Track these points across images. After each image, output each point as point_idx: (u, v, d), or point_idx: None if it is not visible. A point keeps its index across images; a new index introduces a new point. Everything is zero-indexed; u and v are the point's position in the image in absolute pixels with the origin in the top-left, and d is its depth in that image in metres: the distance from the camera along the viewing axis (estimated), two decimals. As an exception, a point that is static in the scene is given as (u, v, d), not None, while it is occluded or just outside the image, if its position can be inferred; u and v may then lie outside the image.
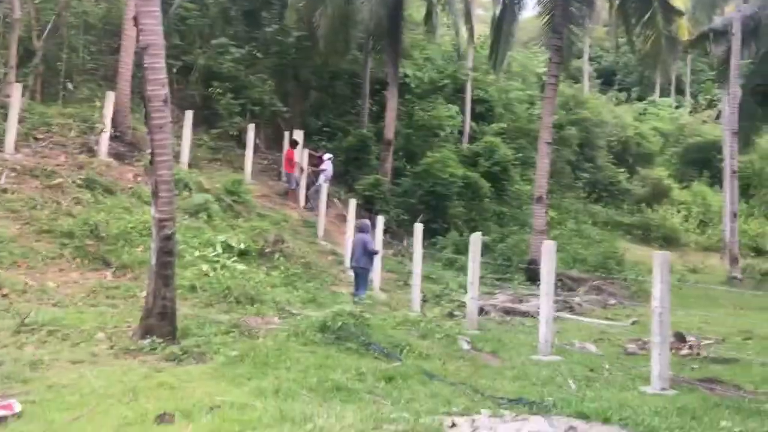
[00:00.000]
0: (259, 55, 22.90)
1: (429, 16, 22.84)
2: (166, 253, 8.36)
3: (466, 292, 15.43)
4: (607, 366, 9.22)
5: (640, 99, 49.26)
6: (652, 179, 35.29)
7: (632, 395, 7.61)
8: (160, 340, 8.28)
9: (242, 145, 21.10)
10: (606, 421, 6.40)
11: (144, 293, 10.59)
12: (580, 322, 13.24)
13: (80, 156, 15.70)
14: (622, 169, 35.65)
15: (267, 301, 11.82)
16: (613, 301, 15.91)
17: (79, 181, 14.47)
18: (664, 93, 52.00)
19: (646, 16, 18.50)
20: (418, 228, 13.14)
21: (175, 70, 21.10)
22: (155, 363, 7.85)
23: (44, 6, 18.79)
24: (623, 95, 46.80)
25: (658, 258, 8.18)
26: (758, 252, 31.64)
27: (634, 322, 13.43)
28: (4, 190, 13.33)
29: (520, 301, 14.66)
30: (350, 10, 21.82)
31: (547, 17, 19.74)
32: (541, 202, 18.61)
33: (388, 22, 20.40)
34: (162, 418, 5.88)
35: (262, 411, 6.16)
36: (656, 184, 35.09)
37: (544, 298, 9.78)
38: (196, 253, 13.48)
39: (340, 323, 9.40)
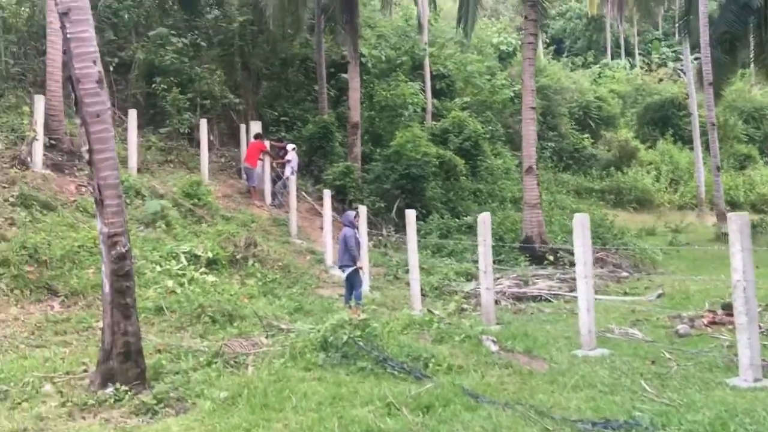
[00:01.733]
0: (203, 44, 20.78)
1: (383, -14, 21.06)
2: (122, 276, 6.47)
3: (466, 281, 14.00)
4: (668, 355, 7.68)
5: (589, 64, 48.33)
6: (618, 142, 34.19)
7: (727, 393, 6.09)
8: (126, 388, 6.43)
9: (195, 144, 19.08)
10: (733, 440, 4.83)
11: (100, 324, 8.83)
12: (603, 302, 11.69)
13: (11, 170, 13.49)
14: (586, 135, 34.53)
15: (248, 317, 9.99)
16: (624, 274, 14.48)
17: (11, 199, 12.34)
18: (614, 56, 51.24)
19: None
20: (410, 214, 11.41)
21: (111, 68, 18.96)
22: (123, 420, 6.01)
23: (-47, 6, 16.39)
24: (579, 60, 45.75)
25: (736, 222, 6.59)
26: (733, 205, 30.85)
27: (660, 296, 11.98)
28: None
29: (526, 284, 13.10)
30: (299, -14, 19.90)
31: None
32: (531, 174, 17.01)
33: (342, -7, 18.56)
34: None
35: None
36: (623, 146, 33.99)
37: (582, 282, 8.17)
38: (158, 269, 11.65)
39: (344, 338, 7.67)
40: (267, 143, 18.88)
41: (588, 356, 7.74)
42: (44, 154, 14.48)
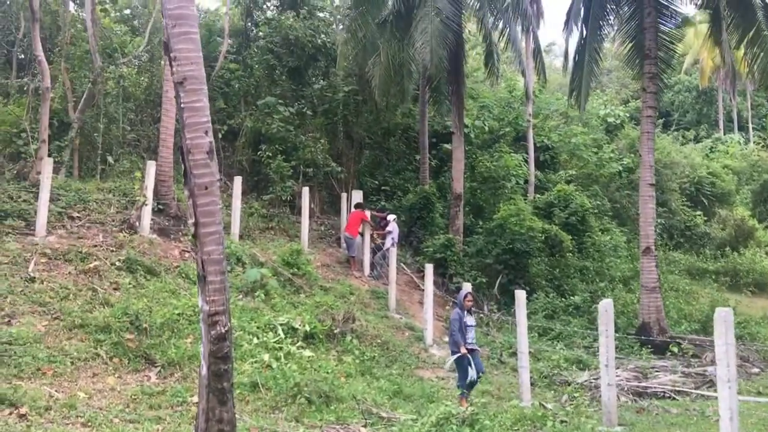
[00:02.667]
0: (308, 113, 21.05)
1: (489, 57, 20.74)
2: (220, 359, 6.06)
3: (577, 370, 13.00)
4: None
5: (701, 138, 46.34)
6: (734, 220, 32.10)
7: None
8: (218, 481, 5.94)
9: (296, 211, 19.09)
10: None
11: (195, 398, 8.48)
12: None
13: (120, 234, 13.76)
14: (698, 212, 32.65)
15: (345, 399, 9.47)
16: (755, 370, 13.04)
17: (118, 263, 12.51)
18: (726, 131, 49.03)
19: (751, 33, 15.97)
20: (521, 296, 10.66)
21: (220, 135, 19.45)
22: None
23: (78, 75, 17.22)
24: (691, 133, 43.90)
25: None
26: None
27: (802, 399, 10.59)
28: (32, 279, 11.31)
29: (646, 377, 11.94)
30: (405, 58, 19.89)
31: (630, 44, 17.40)
32: (649, 255, 15.82)
33: (449, 63, 18.33)
34: None
35: None
36: (739, 225, 31.85)
37: (725, 387, 7.15)
38: (255, 341, 11.39)
39: (452, 436, 6.98)
40: (368, 213, 18.61)
41: (733, 475, 6.68)
42: (152, 219, 14.73)
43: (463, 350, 10.30)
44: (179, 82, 5.81)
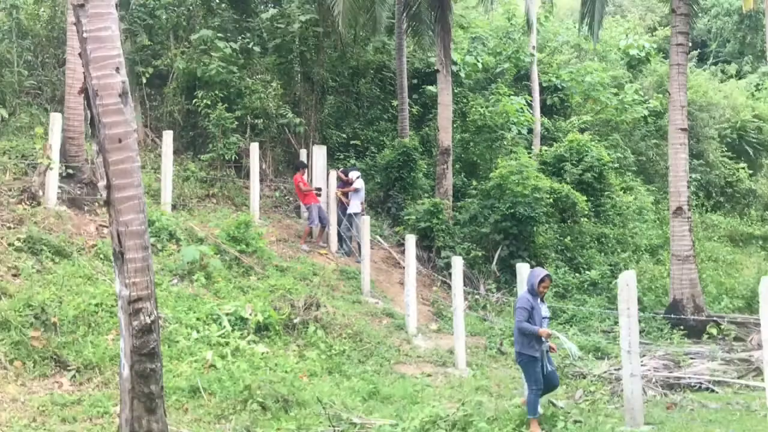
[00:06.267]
0: (256, 49, 20.75)
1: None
2: (146, 356, 6.00)
3: (597, 359, 13.19)
4: None
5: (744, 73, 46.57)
6: (786, 174, 32.52)
7: None
8: None
9: (243, 174, 19.05)
10: None
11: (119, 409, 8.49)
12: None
13: (19, 207, 13.56)
14: (742, 165, 32.84)
15: (309, 403, 9.59)
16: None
17: (17, 243, 12.32)
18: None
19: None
20: (523, 270, 10.62)
21: (144, 79, 19.17)
22: None
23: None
24: (733, 68, 44.06)
25: None
26: None
27: None
28: None
29: (678, 366, 12.12)
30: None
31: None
32: (681, 216, 15.92)
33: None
34: None
35: None
36: (792, 180, 32.31)
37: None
38: (195, 335, 11.49)
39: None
40: (332, 174, 18.51)
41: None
42: (60, 187, 14.56)
43: (544, 332, 8.78)
44: (79, 4, 5.65)
